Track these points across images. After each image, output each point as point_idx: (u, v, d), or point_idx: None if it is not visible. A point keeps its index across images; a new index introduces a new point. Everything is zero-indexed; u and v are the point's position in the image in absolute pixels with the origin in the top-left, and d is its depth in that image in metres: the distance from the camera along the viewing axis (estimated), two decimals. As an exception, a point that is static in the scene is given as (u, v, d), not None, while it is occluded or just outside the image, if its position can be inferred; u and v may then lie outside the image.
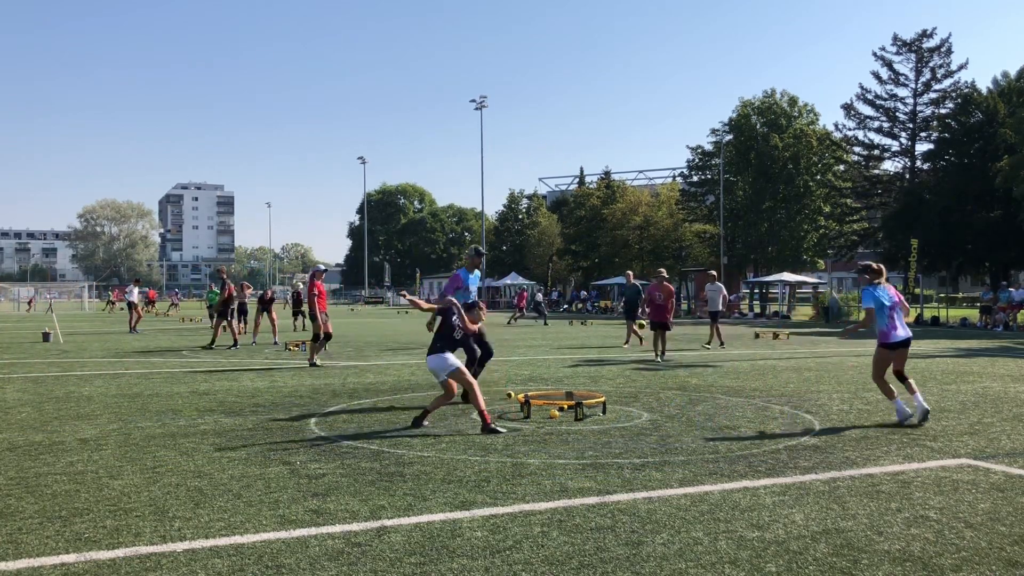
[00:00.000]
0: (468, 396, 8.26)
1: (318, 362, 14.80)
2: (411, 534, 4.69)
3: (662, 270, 16.32)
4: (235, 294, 20.34)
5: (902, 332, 8.62)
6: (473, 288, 10.12)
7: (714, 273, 22.61)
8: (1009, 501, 5.44)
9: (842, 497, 5.52)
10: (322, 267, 16.48)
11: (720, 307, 21.06)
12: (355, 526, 4.84)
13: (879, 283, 8.78)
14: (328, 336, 15.08)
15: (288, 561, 4.24)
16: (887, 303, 8.61)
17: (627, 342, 20.58)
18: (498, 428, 7.91)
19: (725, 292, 21.61)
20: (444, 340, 8.21)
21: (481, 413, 7.97)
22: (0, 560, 4.26)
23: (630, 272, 21.05)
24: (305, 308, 19.24)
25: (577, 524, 4.88)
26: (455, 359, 8.14)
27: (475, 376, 9.03)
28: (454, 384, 8.18)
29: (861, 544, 4.53)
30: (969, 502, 5.40)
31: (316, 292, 15.10)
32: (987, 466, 6.51)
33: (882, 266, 9.01)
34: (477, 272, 10.31)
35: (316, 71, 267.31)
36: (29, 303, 63.62)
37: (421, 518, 5.00)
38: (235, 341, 19.70)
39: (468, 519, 4.98)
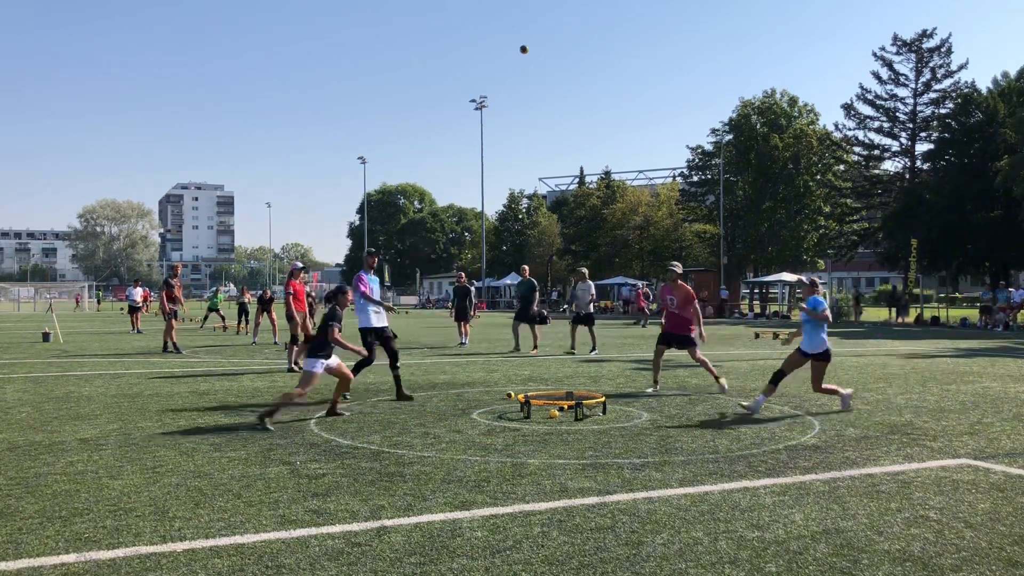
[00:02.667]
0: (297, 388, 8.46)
1: (296, 367, 13.84)
2: (411, 534, 4.69)
3: (676, 264, 11.57)
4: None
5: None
6: (376, 286, 10.58)
7: (585, 270, 19.41)
8: (1009, 501, 5.44)
9: (842, 497, 5.52)
10: (299, 264, 15.48)
11: (590, 308, 18.40)
12: (355, 526, 4.83)
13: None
14: (306, 339, 14.32)
15: (288, 561, 4.24)
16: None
17: (534, 347, 18.08)
18: (268, 426, 8.07)
19: (593, 292, 18.73)
20: (322, 346, 8.57)
21: (284, 404, 8.49)
22: (0, 560, 4.26)
23: (526, 267, 19.38)
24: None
25: (577, 524, 4.88)
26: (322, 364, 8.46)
27: (361, 373, 10.09)
28: (343, 368, 8.81)
29: (861, 544, 4.53)
30: (969, 502, 5.40)
31: (291, 291, 14.22)
32: (987, 466, 6.51)
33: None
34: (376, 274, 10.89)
35: (316, 71, 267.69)
36: (76, 300, 65.27)
37: (421, 518, 5.00)
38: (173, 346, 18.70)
39: (468, 519, 4.98)
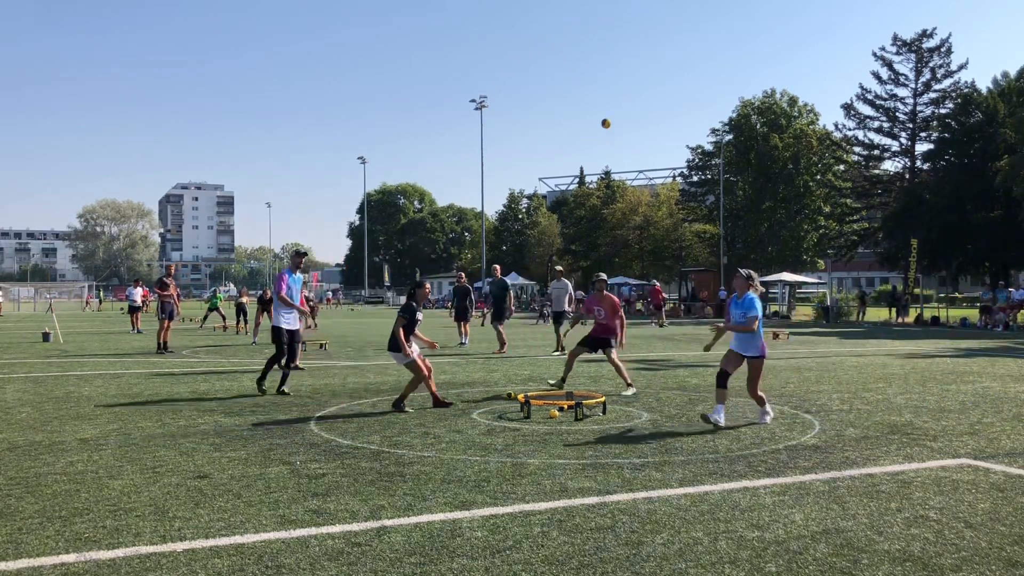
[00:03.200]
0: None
1: (299, 364, 14.18)
2: (411, 534, 4.69)
3: (602, 276, 12.10)
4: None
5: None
6: (296, 288, 11.03)
7: (560, 268, 19.08)
8: (1009, 501, 5.44)
9: (842, 497, 5.52)
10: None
11: (566, 307, 18.03)
12: (355, 526, 4.83)
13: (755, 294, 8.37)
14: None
15: (288, 561, 4.24)
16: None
17: (502, 348, 17.91)
18: (407, 408, 8.94)
19: (572, 291, 18.45)
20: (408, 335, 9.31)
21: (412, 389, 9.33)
22: (0, 560, 4.26)
23: (497, 267, 19.19)
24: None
25: (577, 524, 4.88)
26: None
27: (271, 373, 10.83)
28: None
29: (861, 544, 4.53)
30: (969, 502, 5.40)
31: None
32: (987, 466, 6.51)
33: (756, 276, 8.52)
34: (299, 274, 11.23)
35: (316, 71, 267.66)
36: (97, 300, 64.61)
37: (421, 518, 5.00)
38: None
39: (468, 519, 4.98)
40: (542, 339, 23.54)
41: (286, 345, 10.72)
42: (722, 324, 8.77)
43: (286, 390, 10.65)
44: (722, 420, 8.14)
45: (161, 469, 6.33)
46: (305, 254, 11.92)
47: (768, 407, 8.65)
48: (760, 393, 8.52)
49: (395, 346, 9.20)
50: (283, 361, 10.79)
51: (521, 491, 5.64)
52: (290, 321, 10.84)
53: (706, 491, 5.66)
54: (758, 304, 8.30)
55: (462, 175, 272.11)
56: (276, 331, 10.77)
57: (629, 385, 10.92)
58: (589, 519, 4.98)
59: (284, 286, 10.75)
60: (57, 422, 8.53)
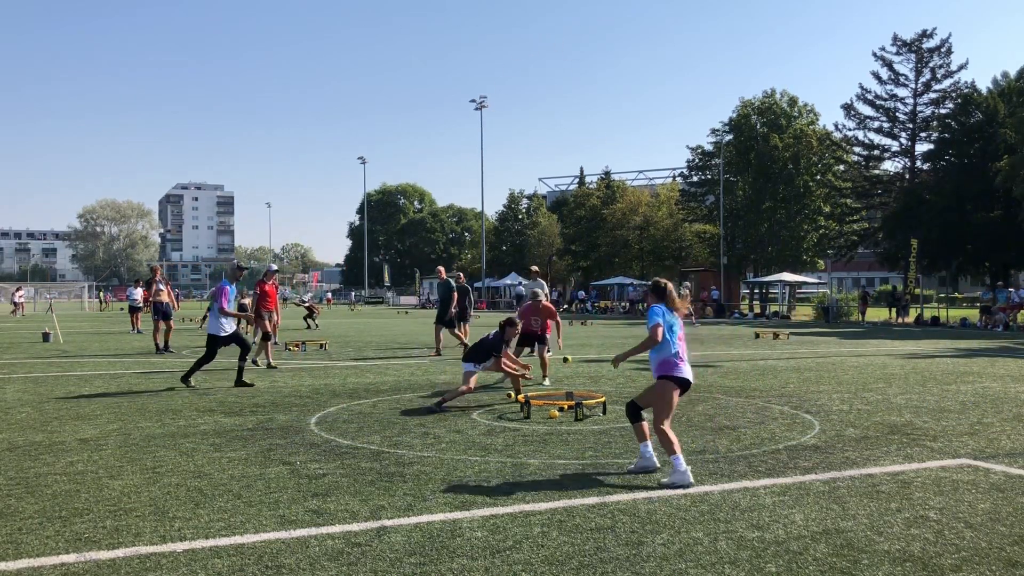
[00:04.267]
0: None
1: (272, 363, 14.55)
2: (411, 534, 4.69)
3: (538, 290, 12.65)
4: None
5: (688, 371, 6.41)
6: (232, 297, 11.95)
7: (535, 268, 17.76)
8: (1009, 501, 5.44)
9: (842, 497, 5.52)
10: (274, 267, 16.63)
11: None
12: (355, 526, 4.83)
13: (668, 306, 6.44)
14: (266, 336, 14.67)
15: (288, 561, 4.24)
16: (676, 329, 6.43)
17: (438, 352, 17.15)
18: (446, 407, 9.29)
19: (547, 290, 16.52)
20: (482, 357, 9.91)
21: (454, 395, 9.57)
22: (0, 560, 4.26)
23: (441, 268, 18.55)
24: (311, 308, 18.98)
25: (577, 524, 4.88)
26: None
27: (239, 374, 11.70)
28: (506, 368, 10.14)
29: (861, 544, 4.53)
30: (969, 502, 5.40)
31: (258, 292, 15.63)
32: (987, 466, 6.51)
33: (670, 287, 6.57)
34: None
35: (316, 71, 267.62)
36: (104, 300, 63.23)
37: (421, 518, 5.00)
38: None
39: (468, 519, 4.98)
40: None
41: (217, 351, 11.75)
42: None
43: (247, 381, 11.74)
44: (650, 466, 6.28)
45: (161, 469, 6.33)
46: (246, 268, 13.15)
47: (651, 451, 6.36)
48: (666, 428, 6.10)
49: (482, 356, 9.78)
50: (240, 354, 11.80)
51: (521, 491, 5.64)
52: (227, 329, 11.76)
53: (706, 491, 5.66)
54: (656, 311, 6.41)
55: (462, 175, 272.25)
56: (213, 339, 11.67)
57: (544, 376, 12.16)
58: (589, 519, 4.98)
59: (227, 301, 11.73)
60: (57, 422, 8.53)
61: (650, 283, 6.73)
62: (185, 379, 11.64)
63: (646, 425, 6.33)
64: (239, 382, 11.62)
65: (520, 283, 18.67)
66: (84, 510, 5.17)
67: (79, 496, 5.51)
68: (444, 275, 18.08)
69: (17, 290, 55.17)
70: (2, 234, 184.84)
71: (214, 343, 11.66)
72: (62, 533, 4.70)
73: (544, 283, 18.28)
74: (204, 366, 11.93)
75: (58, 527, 4.81)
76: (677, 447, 5.96)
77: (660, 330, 6.27)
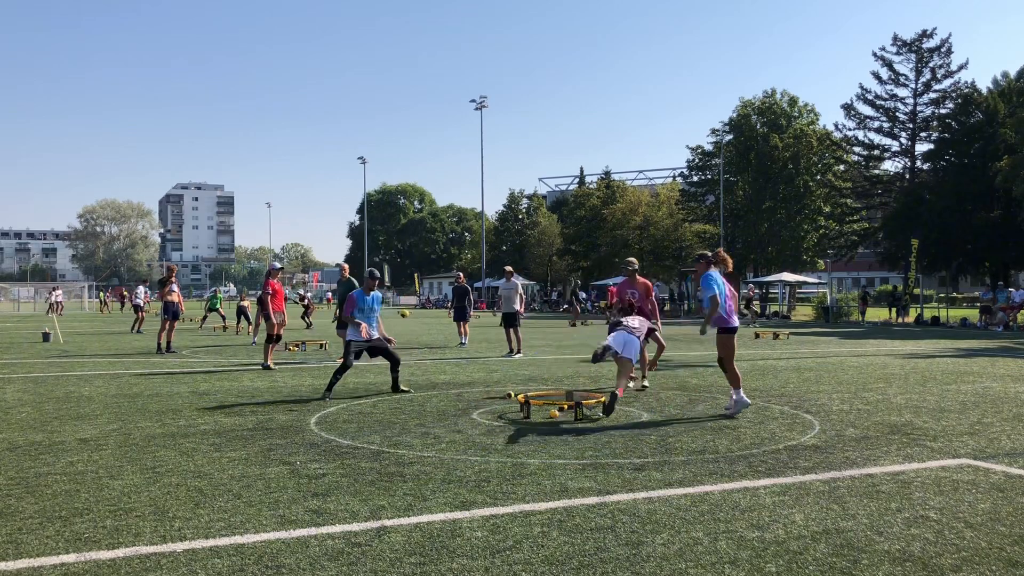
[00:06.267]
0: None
1: (271, 364, 14.18)
2: (411, 534, 4.69)
3: (632, 259, 11.95)
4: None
5: (736, 320, 8.97)
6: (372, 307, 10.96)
7: (510, 269, 18.79)
8: (1009, 501, 5.44)
9: (842, 497, 5.52)
10: (277, 265, 15.83)
11: (516, 307, 17.57)
12: (355, 526, 4.83)
13: (715, 270, 9.06)
14: (277, 338, 14.40)
15: (288, 561, 4.24)
16: (725, 291, 8.92)
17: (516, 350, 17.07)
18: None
19: (522, 291, 18.12)
20: None
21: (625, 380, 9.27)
22: (0, 560, 4.26)
23: (345, 265, 17.89)
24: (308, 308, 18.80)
25: (577, 524, 4.88)
26: None
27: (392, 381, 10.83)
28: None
29: (861, 544, 4.53)
30: (969, 502, 5.40)
31: (271, 291, 14.59)
32: (987, 466, 6.51)
33: (720, 252, 9.25)
34: (375, 293, 11.00)
35: (316, 71, 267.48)
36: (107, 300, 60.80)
37: (421, 518, 5.00)
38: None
39: (468, 519, 4.98)
40: (542, 339, 23.57)
41: (352, 360, 10.76)
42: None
43: (404, 387, 11.20)
44: (745, 401, 8.82)
45: (161, 469, 6.32)
46: (379, 278, 11.40)
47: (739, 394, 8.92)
48: (733, 367, 8.97)
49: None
50: (392, 366, 11.14)
51: (521, 491, 5.64)
52: (364, 335, 10.80)
53: (706, 491, 5.66)
54: (710, 280, 8.87)
55: (462, 175, 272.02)
56: (349, 345, 10.79)
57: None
58: (589, 519, 4.98)
59: (352, 309, 10.72)
60: (57, 422, 8.53)
61: (697, 256, 9.18)
62: (328, 389, 10.44)
63: (738, 372, 8.89)
64: (396, 388, 10.93)
65: (338, 281, 18.27)
66: (84, 510, 5.17)
67: (79, 496, 5.51)
68: (347, 273, 17.39)
69: (54, 289, 55.01)
70: (2, 234, 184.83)
71: (350, 350, 10.66)
72: (62, 533, 4.70)
73: (519, 283, 18.34)
74: (343, 374, 10.67)
75: (58, 527, 4.81)
76: (740, 382, 8.88)
77: (718, 296, 8.68)
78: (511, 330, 17.27)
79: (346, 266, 17.84)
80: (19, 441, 7.50)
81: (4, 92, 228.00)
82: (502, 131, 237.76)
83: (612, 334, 9.26)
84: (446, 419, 8.68)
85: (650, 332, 11.17)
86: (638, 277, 11.54)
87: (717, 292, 8.81)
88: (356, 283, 16.31)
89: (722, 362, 9.09)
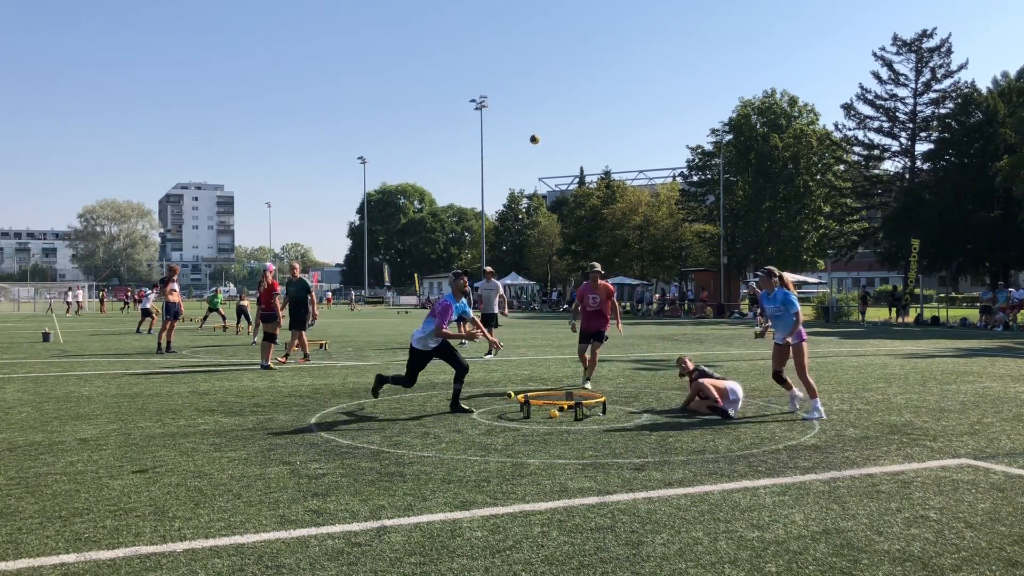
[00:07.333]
0: None
1: (272, 364, 14.25)
2: (411, 534, 4.69)
3: (596, 264, 11.80)
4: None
5: (804, 332, 9.32)
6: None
7: (490, 269, 18.74)
8: (1009, 501, 5.44)
9: (842, 497, 5.52)
10: (272, 265, 16.03)
11: (495, 309, 17.63)
12: (355, 526, 4.83)
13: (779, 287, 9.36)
14: (269, 337, 14.32)
15: (288, 561, 4.24)
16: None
17: (303, 356, 15.68)
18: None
19: (502, 292, 18.22)
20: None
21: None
22: (0, 560, 4.26)
23: (296, 265, 16.62)
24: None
25: (577, 524, 4.88)
26: None
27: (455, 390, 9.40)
28: None
29: (861, 544, 4.53)
30: (969, 502, 5.40)
31: (276, 291, 14.69)
32: (987, 466, 6.51)
33: (785, 276, 9.52)
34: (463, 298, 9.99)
35: (316, 71, 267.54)
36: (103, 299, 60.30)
37: (421, 518, 5.00)
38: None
39: (468, 519, 4.98)
40: (542, 339, 23.56)
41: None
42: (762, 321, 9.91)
43: (464, 406, 9.85)
44: (820, 410, 8.93)
45: (161, 469, 6.32)
46: (467, 273, 10.54)
47: (802, 397, 9.36)
48: (809, 377, 9.21)
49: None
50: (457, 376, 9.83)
51: (521, 491, 5.64)
52: (431, 344, 9.66)
53: (706, 491, 5.66)
54: (791, 297, 9.27)
55: (462, 175, 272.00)
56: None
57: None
58: (589, 519, 4.98)
59: (447, 320, 9.69)
60: (57, 422, 8.53)
61: (765, 273, 9.43)
62: (375, 391, 9.64)
63: (790, 380, 9.37)
64: (455, 407, 9.25)
65: (288, 281, 17.31)
66: (84, 510, 5.17)
67: (79, 496, 5.51)
68: (298, 273, 16.20)
69: (71, 289, 54.89)
70: (2, 234, 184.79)
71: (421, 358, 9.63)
72: (62, 533, 4.70)
73: (499, 285, 18.36)
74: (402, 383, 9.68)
75: (58, 527, 4.81)
76: (816, 392, 9.07)
77: (800, 313, 9.14)
78: (489, 331, 16.76)
79: (297, 265, 16.70)
80: (19, 441, 7.50)
81: (4, 92, 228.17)
82: (502, 131, 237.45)
83: (734, 384, 9.30)
84: (446, 419, 8.68)
85: (600, 336, 11.52)
86: (600, 281, 11.71)
87: (800, 309, 9.29)
88: (308, 283, 15.87)
89: (780, 373, 9.38)
